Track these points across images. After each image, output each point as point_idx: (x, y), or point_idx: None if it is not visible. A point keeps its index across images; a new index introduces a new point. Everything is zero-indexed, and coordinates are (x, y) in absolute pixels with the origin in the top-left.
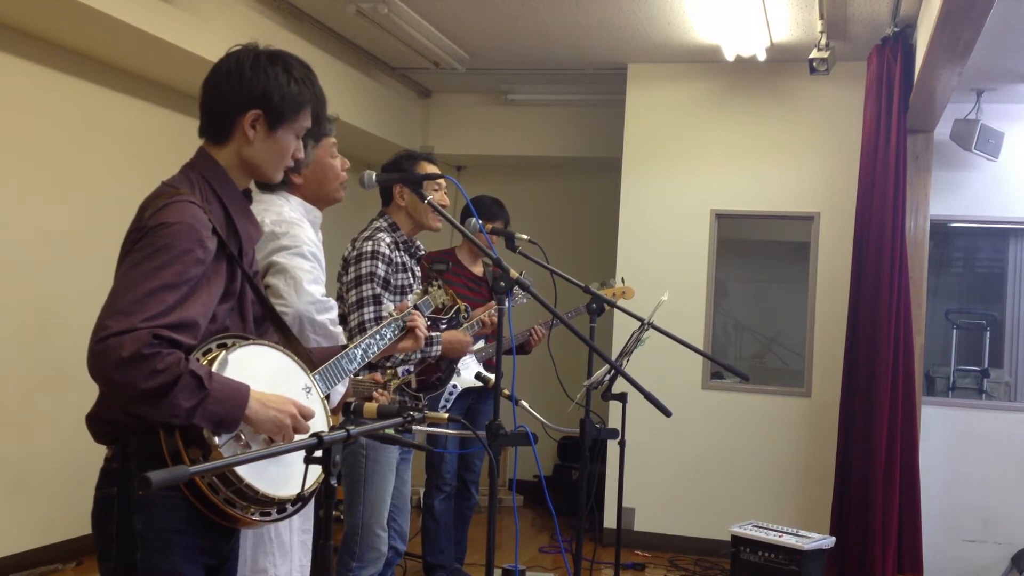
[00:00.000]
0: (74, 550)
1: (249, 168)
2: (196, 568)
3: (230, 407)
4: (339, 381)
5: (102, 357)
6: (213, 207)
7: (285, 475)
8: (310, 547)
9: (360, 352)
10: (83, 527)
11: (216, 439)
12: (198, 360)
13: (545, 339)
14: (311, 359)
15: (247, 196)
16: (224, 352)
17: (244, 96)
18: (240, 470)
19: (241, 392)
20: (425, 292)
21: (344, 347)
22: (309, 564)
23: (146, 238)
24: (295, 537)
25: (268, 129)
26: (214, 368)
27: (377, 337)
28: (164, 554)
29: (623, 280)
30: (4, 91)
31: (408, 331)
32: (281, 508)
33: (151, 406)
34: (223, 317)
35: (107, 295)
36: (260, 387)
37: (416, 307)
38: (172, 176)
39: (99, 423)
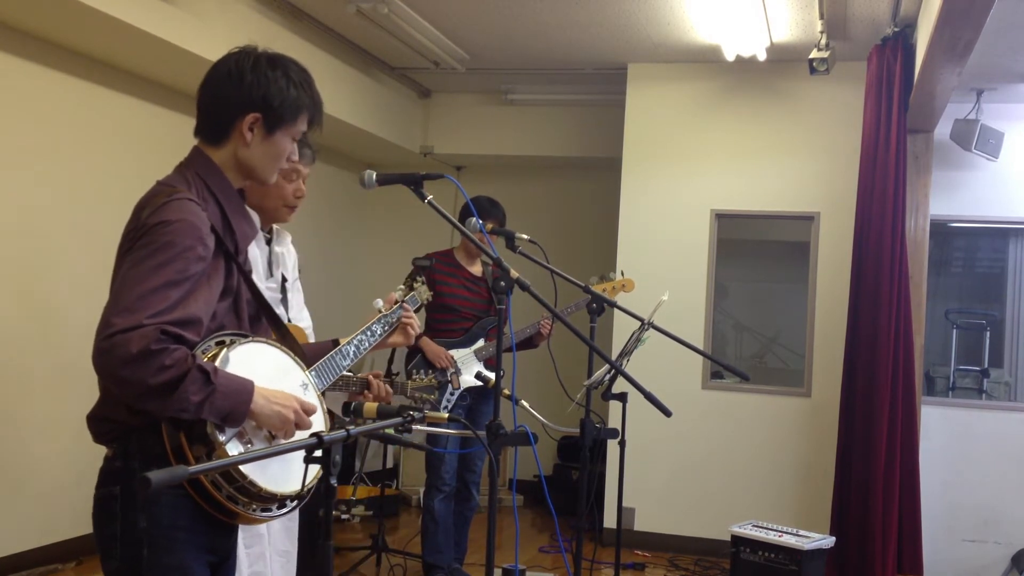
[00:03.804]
0: (74, 550)
1: (244, 169)
2: (202, 565)
3: (236, 401)
4: (334, 377)
5: (109, 354)
6: (209, 205)
7: (287, 471)
8: (294, 533)
9: (353, 348)
10: (83, 527)
11: (220, 436)
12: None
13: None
14: (306, 356)
15: (242, 195)
16: (224, 350)
17: (244, 99)
18: (243, 467)
19: (246, 387)
20: (411, 288)
21: (335, 342)
22: (292, 550)
23: (147, 236)
24: (275, 522)
25: (265, 132)
26: (216, 364)
27: (368, 333)
28: (170, 551)
29: (623, 273)
30: (4, 91)
31: (400, 326)
32: (282, 504)
33: (160, 401)
34: (222, 315)
35: (109, 294)
36: (261, 383)
37: (402, 303)
38: (167, 176)
39: (100, 422)
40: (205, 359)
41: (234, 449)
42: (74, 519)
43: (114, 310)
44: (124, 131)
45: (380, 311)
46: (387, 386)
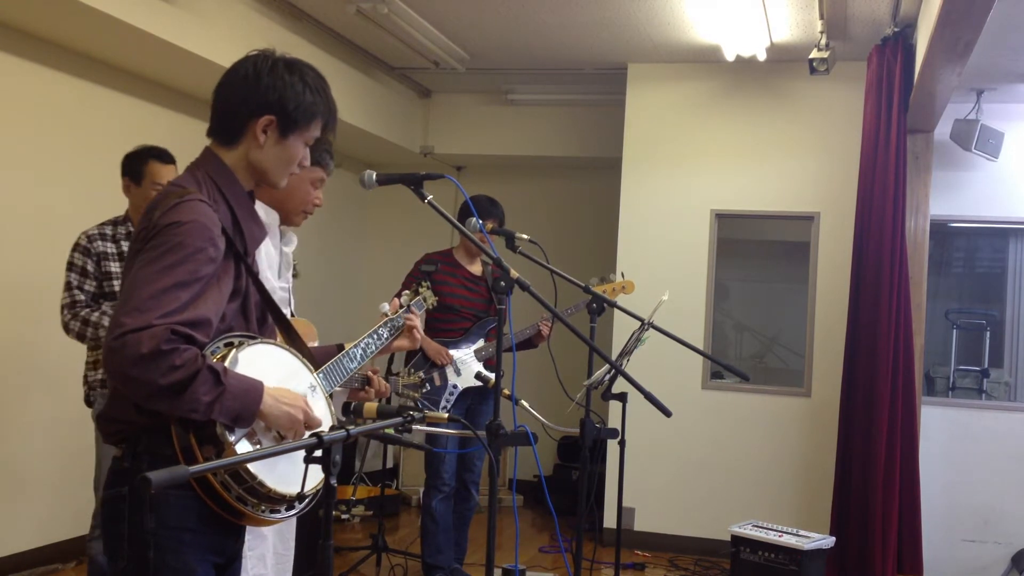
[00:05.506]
0: (74, 550)
1: (256, 172)
2: (207, 567)
3: (246, 402)
4: (342, 380)
5: (120, 354)
6: (219, 206)
7: (295, 472)
8: (285, 535)
9: (360, 351)
10: (83, 527)
11: (230, 436)
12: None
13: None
14: (314, 358)
15: (251, 197)
16: (233, 351)
17: (259, 101)
18: (252, 467)
19: (255, 387)
20: (416, 293)
21: (340, 347)
22: (285, 553)
23: (158, 236)
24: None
25: (279, 135)
26: (225, 365)
27: (375, 336)
28: (177, 552)
29: (623, 274)
30: (4, 91)
31: (405, 331)
32: (290, 505)
33: (170, 401)
34: (231, 316)
35: (120, 294)
36: (270, 384)
37: (409, 308)
38: (178, 176)
39: (110, 422)
40: (214, 360)
41: (243, 450)
42: (74, 519)
43: (124, 310)
44: (124, 131)
45: (386, 315)
46: (386, 382)
